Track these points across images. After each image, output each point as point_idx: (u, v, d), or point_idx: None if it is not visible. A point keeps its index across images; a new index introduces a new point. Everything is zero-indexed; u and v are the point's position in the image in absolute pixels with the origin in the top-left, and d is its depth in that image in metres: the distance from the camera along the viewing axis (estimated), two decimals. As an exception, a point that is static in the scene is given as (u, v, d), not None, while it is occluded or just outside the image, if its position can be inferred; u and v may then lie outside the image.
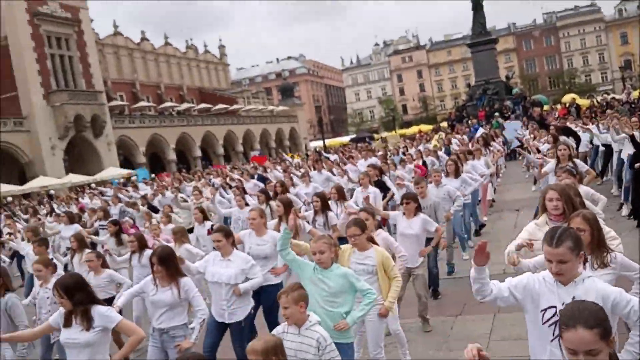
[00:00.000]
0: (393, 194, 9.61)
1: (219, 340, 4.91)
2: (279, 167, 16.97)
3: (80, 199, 18.94)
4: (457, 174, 8.68)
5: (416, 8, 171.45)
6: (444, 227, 6.53)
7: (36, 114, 33.71)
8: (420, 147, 16.69)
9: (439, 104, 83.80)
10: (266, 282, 5.33)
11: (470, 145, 14.28)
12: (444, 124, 37.55)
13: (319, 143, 49.85)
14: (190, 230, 8.47)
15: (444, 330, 5.78)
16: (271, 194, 9.06)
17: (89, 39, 39.37)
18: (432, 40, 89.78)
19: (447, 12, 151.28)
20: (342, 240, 5.86)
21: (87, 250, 6.75)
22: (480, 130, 20.28)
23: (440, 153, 14.50)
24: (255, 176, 15.20)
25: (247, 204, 8.74)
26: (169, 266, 4.39)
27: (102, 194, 18.03)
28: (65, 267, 7.60)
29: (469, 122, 29.22)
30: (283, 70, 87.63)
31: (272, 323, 5.29)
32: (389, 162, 12.89)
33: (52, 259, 6.22)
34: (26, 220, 14.04)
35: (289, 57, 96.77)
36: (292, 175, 12.51)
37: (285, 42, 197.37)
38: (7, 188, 27.66)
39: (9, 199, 24.63)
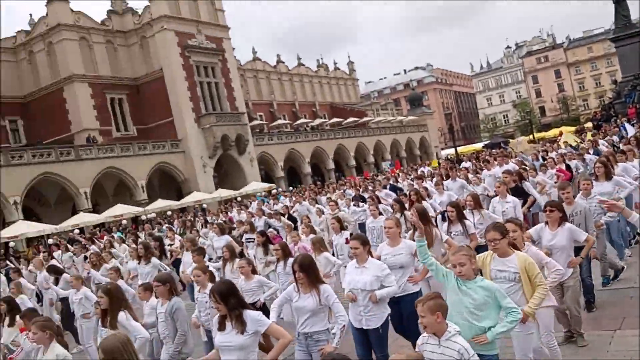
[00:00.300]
0: (534, 200, 9.04)
1: (370, 348, 4.96)
2: (410, 177, 16.92)
3: (228, 212, 20.71)
4: (608, 176, 7.69)
5: (549, 8, 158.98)
6: (594, 236, 5.94)
7: (189, 136, 37.50)
8: (562, 149, 15.44)
9: (581, 103, 76.59)
10: (404, 292, 5.33)
11: (621, 145, 12.87)
12: (589, 124, 34.36)
13: (451, 151, 48.48)
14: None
15: (601, 346, 5.28)
16: (407, 204, 8.97)
17: (231, 66, 43.00)
18: (570, 37, 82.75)
19: (585, 8, 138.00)
20: (482, 248, 5.68)
21: (237, 260, 7.34)
22: (631, 129, 18.15)
23: (588, 155, 13.25)
24: (388, 186, 15.34)
25: (380, 214, 8.78)
26: (309, 273, 4.58)
27: (246, 207, 19.52)
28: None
29: (618, 120, 26.31)
30: (411, 81, 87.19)
31: (413, 332, 5.23)
32: (527, 167, 12.14)
33: (208, 266, 6.94)
34: (182, 234, 15.70)
35: (416, 67, 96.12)
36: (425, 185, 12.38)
37: (411, 52, 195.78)
38: (167, 203, 31.26)
39: (169, 212, 27.85)
